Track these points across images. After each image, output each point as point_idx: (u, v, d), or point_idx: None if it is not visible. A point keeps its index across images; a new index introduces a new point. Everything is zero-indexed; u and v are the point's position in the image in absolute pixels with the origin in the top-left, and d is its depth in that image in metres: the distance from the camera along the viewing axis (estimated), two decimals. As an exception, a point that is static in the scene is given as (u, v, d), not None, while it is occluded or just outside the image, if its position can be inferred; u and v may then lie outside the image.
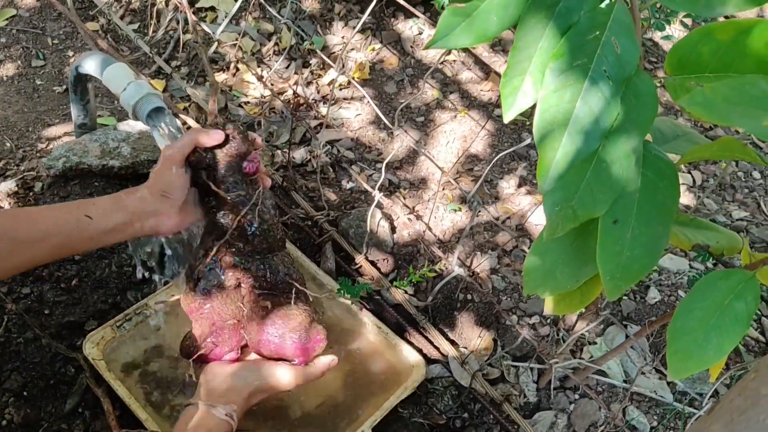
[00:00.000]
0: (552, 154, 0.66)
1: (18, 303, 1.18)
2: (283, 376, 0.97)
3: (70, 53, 1.80)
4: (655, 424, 1.17)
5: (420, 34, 2.03)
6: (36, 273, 1.23)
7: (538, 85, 0.66)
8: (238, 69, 1.82)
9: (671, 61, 0.71)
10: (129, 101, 1.12)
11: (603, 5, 0.65)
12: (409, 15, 2.03)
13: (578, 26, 0.65)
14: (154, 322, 1.21)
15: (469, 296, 1.29)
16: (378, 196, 1.20)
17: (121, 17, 1.87)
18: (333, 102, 1.85)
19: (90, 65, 1.19)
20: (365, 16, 1.05)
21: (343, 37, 1.97)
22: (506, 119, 0.67)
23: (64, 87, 1.72)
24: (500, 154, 0.95)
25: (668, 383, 1.23)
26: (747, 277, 0.73)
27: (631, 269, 0.72)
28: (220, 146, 0.93)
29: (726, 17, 1.14)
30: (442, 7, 1.93)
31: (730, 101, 0.56)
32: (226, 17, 1.90)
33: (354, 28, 1.99)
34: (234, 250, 0.94)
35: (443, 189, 1.63)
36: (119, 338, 1.17)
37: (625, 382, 1.23)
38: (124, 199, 0.93)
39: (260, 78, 1.66)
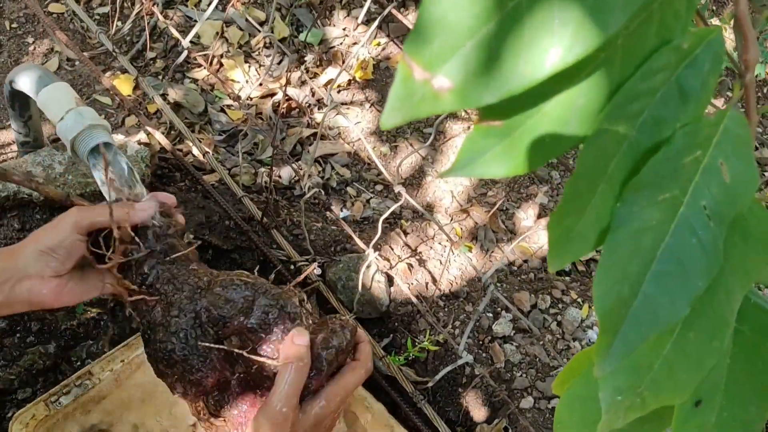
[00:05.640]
0: (617, 324, 0.45)
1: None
2: None
3: (30, 40, 1.57)
4: None
5: (432, 27, 1.78)
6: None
7: (603, 224, 0.44)
8: (221, 65, 1.59)
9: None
10: (66, 134, 0.90)
11: (709, 116, 0.43)
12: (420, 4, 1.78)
13: (671, 144, 0.43)
14: (98, 392, 1.01)
15: (476, 370, 1.09)
16: (373, 255, 0.99)
17: (90, -1, 1.63)
18: (330, 100, 1.62)
19: (24, 82, 0.97)
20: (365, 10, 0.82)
21: (344, 29, 1.73)
22: (551, 269, 0.45)
23: (20, 81, 1.49)
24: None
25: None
26: None
27: (715, 469, 0.51)
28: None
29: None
30: None
31: None
32: (210, 2, 1.66)
33: (357, 18, 1.75)
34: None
35: (451, 220, 1.42)
36: (54, 416, 0.98)
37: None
38: None
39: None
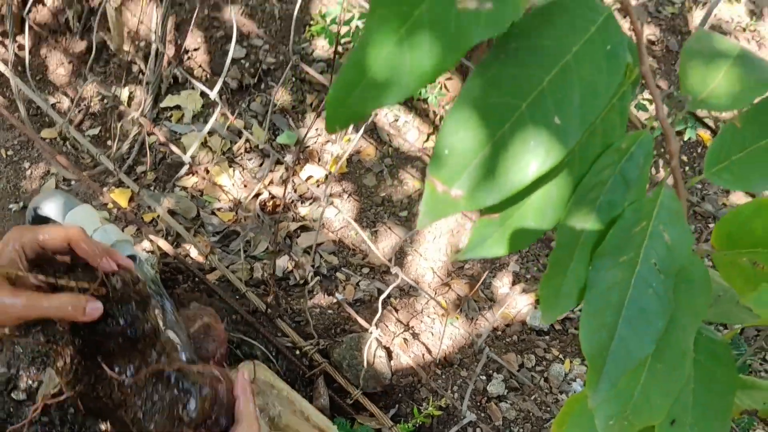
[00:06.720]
0: (601, 364, 0.57)
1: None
2: None
3: (26, 165, 1.68)
4: None
5: (396, 120, 1.95)
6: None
7: (581, 284, 0.57)
8: (208, 171, 1.72)
9: (719, 235, 0.63)
10: (95, 251, 1.01)
11: (649, 194, 0.57)
12: (384, 101, 1.95)
13: (623, 219, 0.57)
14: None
15: (478, 430, 1.18)
16: (375, 333, 1.10)
17: (80, 122, 1.76)
18: (327, 199, 1.75)
19: (50, 208, 1.08)
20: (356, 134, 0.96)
21: (317, 129, 1.88)
22: (545, 322, 0.57)
23: (21, 204, 1.59)
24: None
25: None
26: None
27: (693, 476, 0.63)
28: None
29: None
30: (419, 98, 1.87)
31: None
32: (193, 116, 1.81)
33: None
34: None
35: (435, 293, 1.54)
36: None
37: None
38: None
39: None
